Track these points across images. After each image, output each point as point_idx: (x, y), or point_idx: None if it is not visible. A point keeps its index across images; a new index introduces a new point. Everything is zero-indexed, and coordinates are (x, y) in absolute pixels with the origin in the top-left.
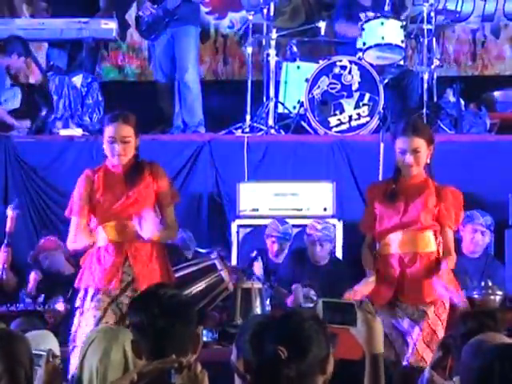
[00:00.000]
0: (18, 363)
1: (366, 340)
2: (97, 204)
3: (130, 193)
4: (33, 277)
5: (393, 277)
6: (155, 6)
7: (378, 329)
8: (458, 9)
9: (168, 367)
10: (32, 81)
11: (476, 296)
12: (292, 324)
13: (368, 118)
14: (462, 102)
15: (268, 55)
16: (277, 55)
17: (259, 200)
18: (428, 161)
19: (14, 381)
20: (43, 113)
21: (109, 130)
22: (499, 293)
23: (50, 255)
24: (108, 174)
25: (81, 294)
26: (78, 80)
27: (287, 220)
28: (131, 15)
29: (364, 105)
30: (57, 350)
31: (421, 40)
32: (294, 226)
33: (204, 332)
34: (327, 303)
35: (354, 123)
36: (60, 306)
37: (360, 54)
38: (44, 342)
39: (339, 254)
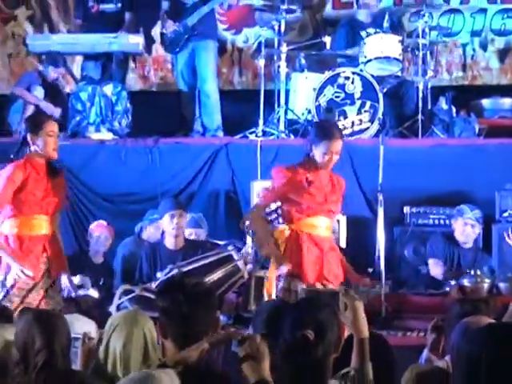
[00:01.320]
0: (55, 340)
1: (353, 325)
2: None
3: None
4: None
5: (319, 257)
6: (177, 24)
7: (362, 314)
8: (450, 25)
9: (232, 338)
10: (67, 90)
11: (467, 283)
12: (311, 309)
13: (369, 124)
14: (454, 109)
15: (279, 67)
16: (287, 67)
17: None
18: None
19: (51, 356)
20: (77, 118)
21: (52, 126)
22: (487, 281)
23: (106, 239)
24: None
25: None
26: (108, 89)
27: None
28: (156, 31)
29: (365, 111)
30: (93, 333)
31: (416, 53)
32: None
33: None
34: (310, 291)
35: (356, 128)
36: (93, 293)
37: (362, 66)
38: (81, 325)
39: (343, 244)
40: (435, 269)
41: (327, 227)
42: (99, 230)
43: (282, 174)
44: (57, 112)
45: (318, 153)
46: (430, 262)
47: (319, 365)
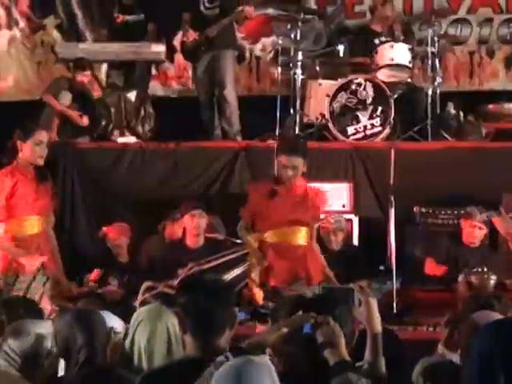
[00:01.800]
0: (96, 338)
1: (367, 320)
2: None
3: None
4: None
5: (287, 264)
6: (197, 33)
7: (376, 310)
8: (458, 34)
9: (304, 322)
10: (94, 95)
11: (474, 280)
12: (327, 305)
13: (380, 128)
14: (461, 114)
15: (295, 74)
16: (302, 74)
17: None
18: (304, 169)
19: (92, 353)
20: (103, 123)
21: (40, 135)
22: (493, 277)
23: (118, 239)
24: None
25: None
26: (132, 95)
27: None
28: (177, 41)
29: (377, 116)
30: (118, 327)
31: (425, 61)
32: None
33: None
34: (326, 288)
35: (368, 132)
36: (117, 289)
37: (373, 73)
38: (107, 320)
39: (355, 242)
40: (430, 267)
41: (299, 235)
42: (113, 237)
43: (253, 192)
44: (84, 120)
45: (278, 166)
46: (428, 260)
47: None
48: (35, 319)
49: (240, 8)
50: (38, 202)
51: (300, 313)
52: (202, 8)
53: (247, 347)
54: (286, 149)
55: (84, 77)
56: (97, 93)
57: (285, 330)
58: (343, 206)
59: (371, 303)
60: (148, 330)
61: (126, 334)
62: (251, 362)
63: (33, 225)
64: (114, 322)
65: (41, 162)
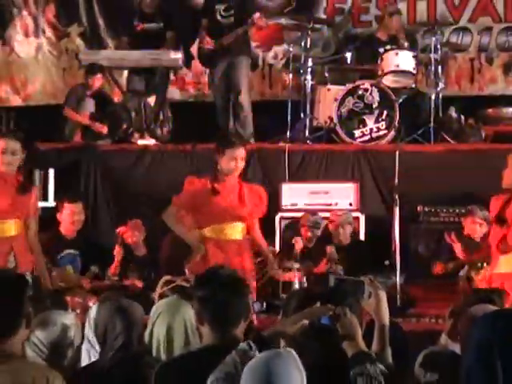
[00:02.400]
0: (134, 327)
1: (375, 311)
2: None
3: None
4: (117, 250)
5: (226, 260)
6: (214, 41)
7: (385, 302)
8: (459, 42)
9: (323, 313)
10: (115, 99)
11: (474, 275)
12: (337, 297)
13: (386, 131)
14: (462, 117)
15: (305, 80)
16: (312, 80)
17: (297, 197)
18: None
19: (128, 340)
20: (124, 126)
21: (3, 143)
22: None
23: (134, 235)
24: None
25: None
26: (151, 100)
27: (319, 213)
28: (194, 48)
29: (382, 120)
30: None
31: (428, 67)
32: (324, 217)
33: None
34: (338, 279)
35: (374, 135)
36: (138, 282)
37: (379, 78)
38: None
39: (362, 238)
40: (439, 269)
41: (238, 231)
42: (128, 235)
43: (190, 185)
44: (104, 129)
45: (224, 161)
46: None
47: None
48: (61, 310)
49: (253, 17)
50: (17, 206)
51: (318, 304)
52: (218, 17)
53: (268, 335)
54: (231, 143)
55: (96, 80)
56: (117, 97)
57: (306, 321)
58: (350, 205)
59: (380, 295)
60: (167, 323)
61: (144, 325)
62: (280, 354)
63: (10, 228)
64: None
65: (7, 170)
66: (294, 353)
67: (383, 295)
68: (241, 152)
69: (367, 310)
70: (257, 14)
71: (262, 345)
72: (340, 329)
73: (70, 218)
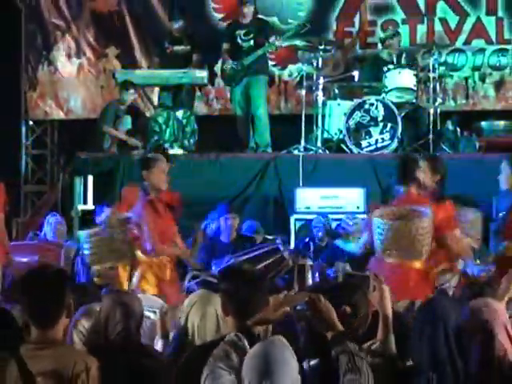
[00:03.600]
0: (132, 316)
1: (379, 303)
2: None
3: None
4: None
5: None
6: (235, 62)
7: (388, 295)
8: (455, 62)
9: (300, 300)
10: (147, 114)
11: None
12: (347, 291)
13: (389, 141)
14: (458, 130)
15: (317, 95)
16: (323, 95)
17: (310, 201)
18: None
19: (127, 327)
20: (155, 138)
21: None
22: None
23: None
24: None
25: None
26: (180, 114)
27: (330, 215)
28: (217, 68)
29: (386, 131)
30: (161, 310)
31: (428, 84)
32: (334, 219)
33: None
34: (348, 275)
35: (379, 145)
36: None
37: (384, 94)
38: (151, 302)
39: None
40: None
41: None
42: None
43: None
44: (138, 144)
45: (155, 175)
46: None
47: (355, 336)
48: (98, 302)
49: (271, 40)
50: None
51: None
52: (238, 40)
53: (252, 324)
54: (159, 157)
55: (130, 95)
56: (149, 112)
57: (287, 309)
58: (357, 208)
59: (384, 289)
60: (200, 312)
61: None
62: (275, 343)
63: None
64: (157, 303)
65: None
66: (285, 340)
67: (386, 289)
68: (166, 165)
69: (372, 301)
70: (273, 38)
71: (248, 334)
72: (316, 313)
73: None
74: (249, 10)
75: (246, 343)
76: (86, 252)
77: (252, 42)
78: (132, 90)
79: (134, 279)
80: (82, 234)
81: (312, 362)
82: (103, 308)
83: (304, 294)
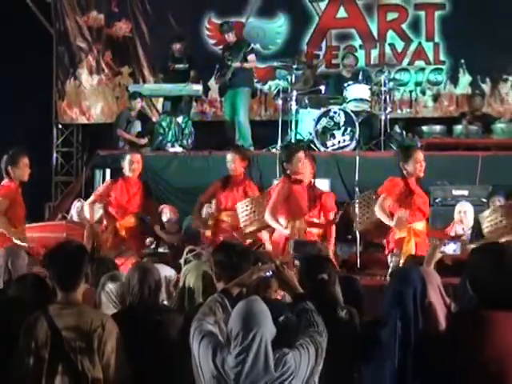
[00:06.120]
0: (145, 281)
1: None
2: None
3: None
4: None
5: None
6: (223, 78)
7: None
8: (401, 78)
9: (268, 268)
10: (154, 119)
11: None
12: (324, 263)
13: (349, 142)
14: (404, 133)
15: (291, 105)
16: (296, 105)
17: None
18: None
19: (142, 291)
20: (160, 138)
21: None
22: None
23: (170, 212)
24: None
25: None
26: (180, 119)
27: None
28: (211, 82)
29: (347, 134)
30: (172, 276)
31: (380, 96)
32: None
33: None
34: (297, 241)
35: (341, 145)
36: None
37: (344, 104)
38: (164, 270)
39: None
40: None
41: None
42: (167, 211)
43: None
44: (143, 141)
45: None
46: None
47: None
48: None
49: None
50: None
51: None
52: (226, 60)
53: (230, 287)
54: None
55: (137, 103)
56: (155, 117)
57: (262, 274)
58: None
59: (329, 248)
60: (194, 276)
61: (176, 281)
62: (255, 300)
63: None
64: (169, 272)
65: None
66: (259, 298)
67: (330, 249)
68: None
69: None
70: (252, 56)
71: (228, 295)
72: (281, 279)
73: None
74: (229, 36)
75: (227, 301)
76: None
77: (235, 61)
78: (138, 99)
79: None
80: None
81: (281, 318)
82: (126, 274)
83: (271, 264)
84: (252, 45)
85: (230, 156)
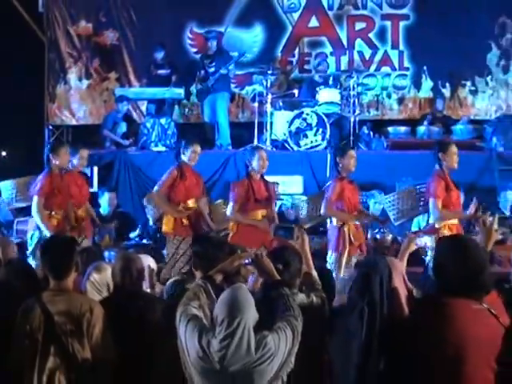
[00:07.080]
0: (127, 270)
1: (301, 248)
2: None
3: None
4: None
5: None
6: (203, 83)
7: (307, 243)
8: (369, 83)
9: (247, 256)
10: (138, 121)
11: (378, 236)
12: (284, 253)
13: (321, 142)
14: (371, 133)
15: (266, 108)
16: (271, 107)
17: None
18: None
19: (124, 278)
20: (144, 138)
21: None
22: (390, 235)
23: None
24: None
25: None
26: (163, 121)
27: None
28: (192, 87)
29: (319, 134)
30: (152, 265)
31: (349, 99)
32: (279, 198)
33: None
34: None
35: (313, 144)
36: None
37: (317, 107)
38: (146, 260)
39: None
40: None
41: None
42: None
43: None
44: (129, 142)
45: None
46: None
47: (289, 283)
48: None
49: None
50: None
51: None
52: (206, 67)
53: (213, 273)
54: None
55: (123, 105)
56: (140, 119)
57: (242, 261)
58: (297, 191)
59: (304, 237)
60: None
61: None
62: (240, 287)
63: None
64: (151, 261)
65: None
66: (244, 286)
67: (306, 237)
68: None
69: (297, 247)
70: (231, 64)
71: (211, 281)
72: (259, 266)
73: (108, 202)
74: (212, 44)
75: (210, 287)
76: None
77: (213, 68)
78: (124, 102)
79: None
80: None
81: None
82: (113, 263)
83: (250, 251)
84: (241, 53)
85: (199, 149)
